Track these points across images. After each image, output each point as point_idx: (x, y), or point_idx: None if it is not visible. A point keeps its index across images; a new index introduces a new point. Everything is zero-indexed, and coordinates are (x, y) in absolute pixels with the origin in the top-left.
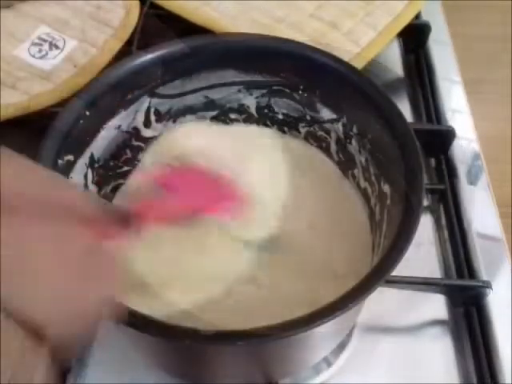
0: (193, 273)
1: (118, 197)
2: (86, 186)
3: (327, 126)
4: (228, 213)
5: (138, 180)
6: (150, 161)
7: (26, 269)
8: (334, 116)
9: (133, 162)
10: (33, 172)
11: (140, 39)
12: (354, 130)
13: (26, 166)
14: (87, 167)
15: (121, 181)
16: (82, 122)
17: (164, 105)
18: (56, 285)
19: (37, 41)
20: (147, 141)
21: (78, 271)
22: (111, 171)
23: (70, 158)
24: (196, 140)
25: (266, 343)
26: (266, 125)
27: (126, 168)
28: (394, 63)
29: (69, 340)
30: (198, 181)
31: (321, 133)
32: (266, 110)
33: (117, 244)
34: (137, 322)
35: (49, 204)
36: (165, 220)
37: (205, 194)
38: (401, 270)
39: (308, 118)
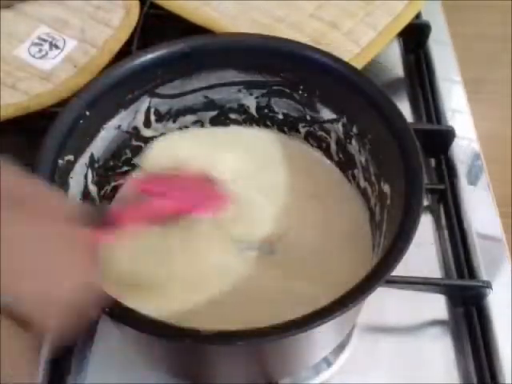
0: (192, 273)
1: (118, 197)
2: (85, 185)
3: (327, 125)
4: (212, 211)
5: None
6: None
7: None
8: (334, 116)
9: (133, 162)
10: (25, 177)
11: (140, 39)
12: (354, 130)
13: (19, 172)
14: (87, 167)
15: (121, 181)
16: (81, 122)
17: (164, 105)
18: (36, 268)
19: (37, 41)
20: (147, 141)
21: (55, 256)
22: (111, 171)
23: (70, 158)
24: (182, 150)
25: (265, 343)
26: (266, 125)
27: (125, 168)
28: (394, 63)
29: (52, 326)
30: (181, 183)
31: (321, 133)
32: (265, 110)
33: (98, 243)
34: (137, 322)
35: (39, 204)
36: (147, 220)
37: (189, 195)
38: (401, 270)
39: (308, 117)
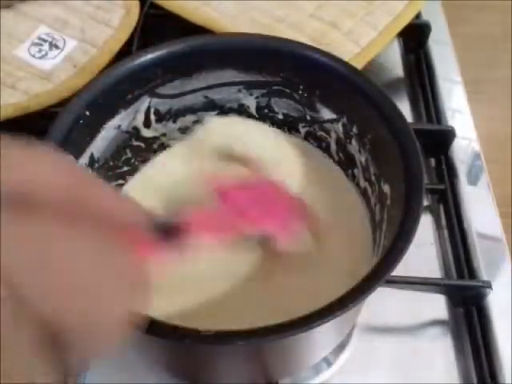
0: (192, 273)
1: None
2: None
3: (327, 125)
4: (291, 233)
5: (163, 164)
6: (183, 151)
7: (42, 265)
8: (334, 116)
9: (133, 162)
10: (71, 169)
11: (140, 39)
12: (354, 130)
13: (64, 161)
14: (87, 167)
15: (121, 181)
16: (81, 122)
17: (164, 105)
18: (83, 288)
19: (37, 41)
20: (147, 141)
21: (106, 280)
22: (111, 171)
23: (70, 158)
24: (235, 130)
25: (266, 343)
26: (265, 125)
27: (125, 168)
28: (394, 63)
29: (85, 349)
30: (261, 196)
31: (321, 133)
32: (266, 110)
33: (156, 259)
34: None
35: (83, 205)
36: (215, 236)
37: (268, 211)
38: (401, 270)
39: (308, 117)
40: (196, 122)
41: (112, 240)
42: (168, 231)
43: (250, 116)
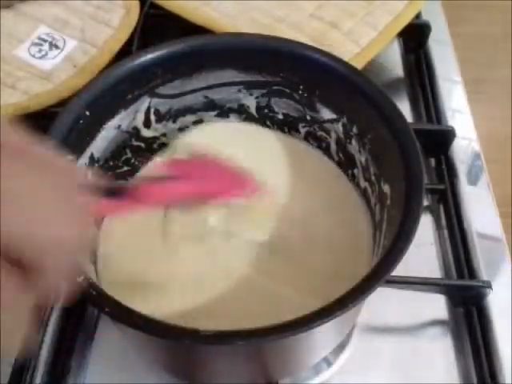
0: (192, 273)
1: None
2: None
3: (327, 125)
4: (239, 197)
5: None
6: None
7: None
8: (334, 116)
9: (133, 162)
10: (36, 143)
11: (140, 39)
12: (354, 130)
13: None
14: (87, 167)
15: (121, 181)
16: (81, 122)
17: (164, 105)
18: (40, 212)
19: (37, 41)
20: (147, 141)
21: (56, 210)
22: (111, 171)
23: (70, 158)
24: (212, 139)
25: (266, 343)
26: (265, 125)
27: (125, 168)
28: (394, 63)
29: (61, 274)
30: (208, 169)
31: (321, 133)
32: (266, 110)
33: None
34: (137, 322)
35: (50, 164)
36: (168, 200)
37: (215, 180)
38: (401, 270)
39: (308, 117)
40: (196, 122)
41: (61, 184)
42: (116, 192)
43: (250, 116)
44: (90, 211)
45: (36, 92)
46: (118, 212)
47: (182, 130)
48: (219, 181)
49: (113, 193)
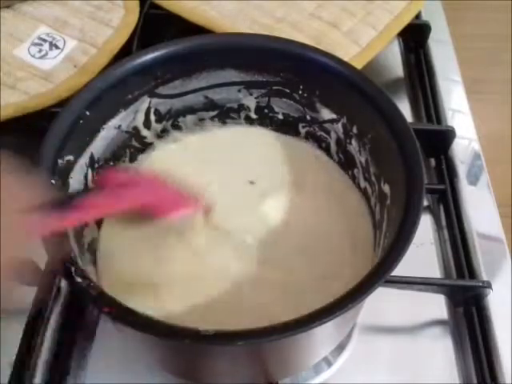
0: (191, 273)
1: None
2: (85, 185)
3: (327, 125)
4: (180, 216)
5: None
6: None
7: None
8: (334, 116)
9: (133, 162)
10: None
11: (140, 39)
12: (354, 130)
13: None
14: (87, 167)
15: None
16: (81, 122)
17: (164, 105)
18: None
19: (37, 41)
20: (147, 141)
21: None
22: None
23: (70, 158)
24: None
25: (266, 343)
26: (265, 125)
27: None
28: (394, 63)
29: None
30: (147, 183)
31: (321, 133)
32: (265, 110)
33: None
34: (137, 322)
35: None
36: (108, 212)
37: (152, 194)
38: (401, 270)
39: (308, 118)
40: (196, 122)
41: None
42: (63, 207)
43: (249, 116)
44: (35, 230)
45: (36, 92)
46: (64, 225)
47: (181, 129)
48: (162, 197)
49: (60, 206)
